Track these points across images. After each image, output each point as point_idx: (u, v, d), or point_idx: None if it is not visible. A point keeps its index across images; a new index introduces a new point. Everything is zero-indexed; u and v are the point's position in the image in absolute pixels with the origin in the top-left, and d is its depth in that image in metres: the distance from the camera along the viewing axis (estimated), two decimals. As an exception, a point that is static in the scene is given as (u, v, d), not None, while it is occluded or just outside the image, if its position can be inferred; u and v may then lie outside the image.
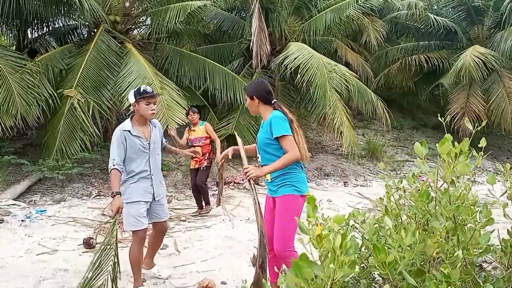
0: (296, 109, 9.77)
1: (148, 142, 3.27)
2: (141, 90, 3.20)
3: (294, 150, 2.67)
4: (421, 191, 1.43)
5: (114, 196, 3.03)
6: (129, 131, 3.19)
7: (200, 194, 5.92)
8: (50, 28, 9.31)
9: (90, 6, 6.99)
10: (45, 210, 5.69)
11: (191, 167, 6.00)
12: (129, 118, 3.29)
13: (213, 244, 4.63)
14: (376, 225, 1.56)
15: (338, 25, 9.81)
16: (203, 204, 5.95)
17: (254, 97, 2.88)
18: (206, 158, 5.87)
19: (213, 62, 8.93)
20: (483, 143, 1.47)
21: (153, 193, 3.30)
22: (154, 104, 3.25)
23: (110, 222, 3.26)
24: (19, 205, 5.83)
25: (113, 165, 3.09)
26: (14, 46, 9.87)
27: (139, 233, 3.23)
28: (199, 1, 8.32)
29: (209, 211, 5.93)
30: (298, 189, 2.74)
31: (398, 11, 12.38)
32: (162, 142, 3.54)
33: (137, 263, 3.26)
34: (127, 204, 3.19)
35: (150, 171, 3.27)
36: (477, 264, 1.60)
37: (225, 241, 4.73)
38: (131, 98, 3.23)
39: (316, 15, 9.67)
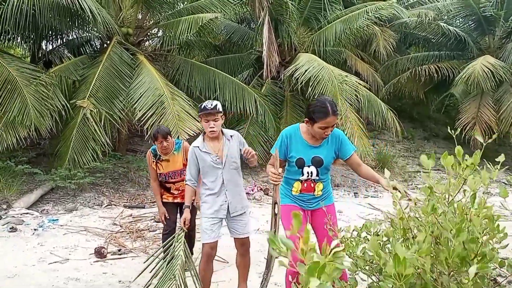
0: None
1: (218, 157, 3.14)
2: (202, 107, 3.12)
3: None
4: (428, 204, 1.43)
5: (184, 209, 3.28)
6: (198, 147, 3.18)
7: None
8: (64, 40, 9.52)
9: (103, 19, 7.14)
10: (57, 219, 5.75)
11: (166, 200, 4.06)
12: (202, 133, 3.28)
13: (222, 254, 4.61)
14: (384, 239, 1.55)
15: (348, 35, 9.84)
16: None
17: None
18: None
19: (223, 72, 9.01)
20: (501, 158, 1.44)
21: (228, 209, 3.22)
22: (215, 121, 3.10)
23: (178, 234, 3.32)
24: (32, 214, 5.91)
25: (186, 181, 3.26)
26: (29, 58, 10.10)
27: (204, 247, 3.23)
28: (210, 13, 8.44)
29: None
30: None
31: (408, 19, 12.36)
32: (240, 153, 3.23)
33: (201, 277, 3.21)
34: (202, 217, 3.25)
35: (224, 186, 3.17)
36: (492, 278, 1.58)
37: (235, 252, 4.70)
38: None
39: (325, 26, 9.73)
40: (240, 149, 3.22)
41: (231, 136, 3.26)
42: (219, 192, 3.19)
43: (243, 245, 3.36)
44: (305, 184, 2.83)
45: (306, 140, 2.79)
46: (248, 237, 3.38)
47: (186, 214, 3.26)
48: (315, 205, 2.89)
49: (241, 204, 3.29)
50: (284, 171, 2.97)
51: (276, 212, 2.72)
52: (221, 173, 3.16)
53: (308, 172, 2.79)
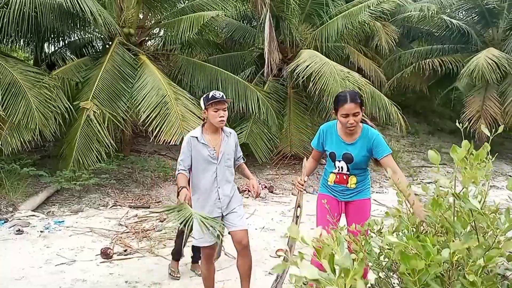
0: (309, 116, 9.74)
1: (215, 152, 3.07)
2: (210, 96, 3.02)
3: (399, 168, 2.81)
4: (436, 199, 1.41)
5: (181, 190, 2.87)
6: (196, 137, 3.05)
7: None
8: (66, 42, 9.52)
9: (104, 20, 7.13)
10: (63, 221, 5.77)
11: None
12: (201, 125, 3.17)
13: (230, 250, 4.62)
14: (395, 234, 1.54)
15: (350, 30, 9.77)
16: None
17: (363, 107, 2.85)
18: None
19: (225, 71, 8.98)
20: (500, 129, 1.44)
21: (221, 207, 3.11)
22: (224, 110, 3.04)
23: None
24: (38, 216, 5.93)
25: (178, 170, 3.03)
26: (32, 61, 10.13)
27: (203, 249, 3.14)
28: (211, 11, 8.42)
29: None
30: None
31: (410, 13, 12.27)
32: (236, 154, 3.27)
33: (205, 280, 3.22)
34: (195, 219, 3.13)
35: (217, 183, 3.08)
36: (500, 273, 1.56)
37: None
38: (202, 105, 3.09)
39: (327, 21, 9.68)
40: (234, 150, 3.23)
41: (230, 133, 3.21)
42: (210, 189, 3.07)
43: (239, 242, 3.10)
44: (338, 177, 2.99)
45: (340, 136, 2.97)
46: (245, 230, 3.13)
47: (186, 191, 2.83)
48: (348, 197, 2.99)
49: (235, 204, 3.17)
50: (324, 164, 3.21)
51: (298, 214, 2.87)
52: (215, 168, 3.07)
53: (339, 167, 2.97)
